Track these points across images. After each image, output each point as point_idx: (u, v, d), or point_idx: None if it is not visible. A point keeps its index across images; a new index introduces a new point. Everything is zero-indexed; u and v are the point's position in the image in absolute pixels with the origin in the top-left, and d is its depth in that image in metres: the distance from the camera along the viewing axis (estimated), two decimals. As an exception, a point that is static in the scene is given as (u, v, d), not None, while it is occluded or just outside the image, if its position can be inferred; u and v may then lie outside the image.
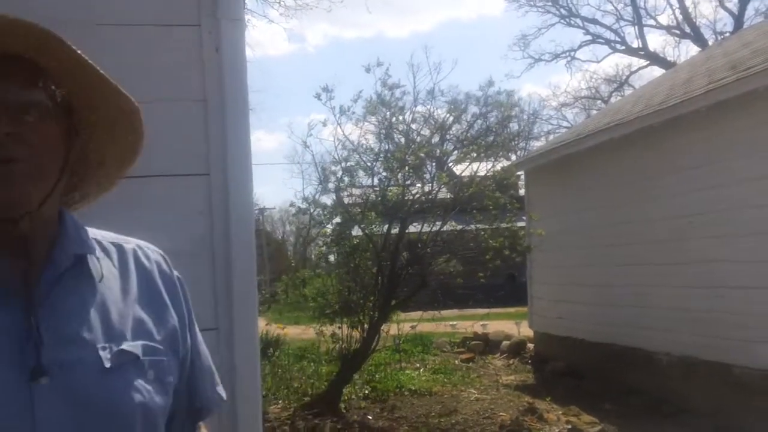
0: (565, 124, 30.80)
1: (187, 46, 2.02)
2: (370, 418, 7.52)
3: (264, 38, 60.35)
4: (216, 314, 2.06)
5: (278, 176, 64.38)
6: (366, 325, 7.50)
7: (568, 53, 30.47)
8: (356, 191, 8.30)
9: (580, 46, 30.72)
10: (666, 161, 7.94)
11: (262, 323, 13.91)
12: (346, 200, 8.39)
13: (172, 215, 2.01)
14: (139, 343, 1.01)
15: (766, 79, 6.28)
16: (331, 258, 9.08)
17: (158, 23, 1.99)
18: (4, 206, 0.93)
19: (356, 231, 8.13)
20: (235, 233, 2.08)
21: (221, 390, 1.23)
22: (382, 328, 7.75)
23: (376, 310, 7.47)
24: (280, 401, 8.22)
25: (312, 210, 8.20)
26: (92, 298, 1.00)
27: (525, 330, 12.36)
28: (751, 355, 6.55)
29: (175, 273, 1.16)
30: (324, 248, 8.74)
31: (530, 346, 11.68)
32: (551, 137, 26.75)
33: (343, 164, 7.77)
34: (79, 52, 0.99)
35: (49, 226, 1.00)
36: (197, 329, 1.18)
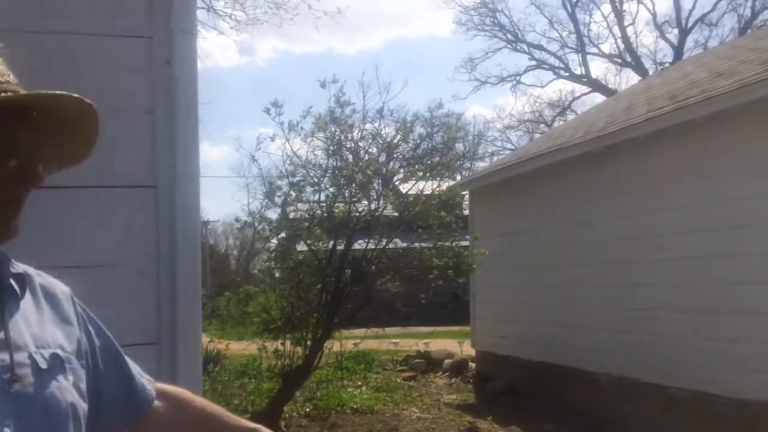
0: (509, 146, 31.41)
1: (138, 57, 2.00)
2: (311, 436, 7.47)
3: (214, 50, 59.75)
4: (159, 328, 2.03)
5: (222, 189, 63.43)
6: (309, 342, 7.45)
7: (513, 77, 31.12)
8: (303, 206, 8.27)
9: (525, 71, 31.41)
10: (604, 186, 8.17)
11: (204, 339, 13.66)
12: (292, 215, 8.35)
13: (117, 227, 1.98)
14: (60, 352, 1.09)
15: (703, 109, 6.55)
16: (276, 273, 9.01)
17: (108, 34, 1.98)
18: (3, 239, 1.06)
19: (301, 246, 8.09)
20: (181, 247, 2.06)
21: (147, 377, 1.30)
22: (325, 344, 7.71)
23: (320, 326, 7.43)
24: (219, 418, 8.07)
25: (257, 224, 8.12)
26: (22, 313, 1.09)
27: (467, 349, 12.46)
28: (685, 377, 6.76)
29: (69, 292, 1.24)
30: (269, 263, 8.66)
31: (472, 365, 11.77)
32: (495, 158, 27.26)
33: (290, 179, 7.75)
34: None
35: None
36: (108, 335, 1.26)
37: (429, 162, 8.91)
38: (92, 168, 1.90)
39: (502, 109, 52.63)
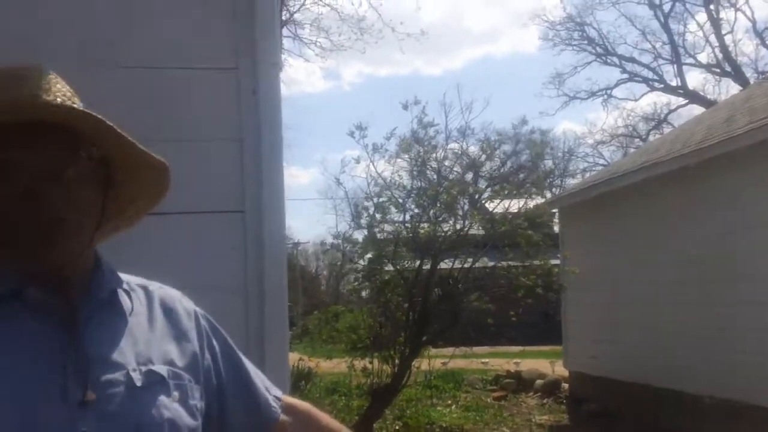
0: (601, 161, 30.51)
1: (225, 88, 2.07)
2: (400, 455, 7.47)
3: (300, 76, 61.24)
4: (248, 348, 2.09)
5: (312, 211, 64.73)
6: (397, 360, 7.48)
7: (604, 91, 30.31)
8: (388, 227, 8.34)
9: (616, 84, 30.51)
10: (704, 201, 7.85)
11: (294, 356, 13.95)
12: (378, 236, 8.43)
13: (207, 251, 2.04)
14: (165, 367, 1.11)
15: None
16: (363, 293, 9.10)
17: (197, 66, 2.06)
18: (51, 261, 1.06)
19: (388, 266, 8.15)
20: (268, 269, 2.10)
21: (276, 391, 1.31)
22: (413, 363, 7.71)
23: (407, 345, 7.45)
24: (310, 436, 8.19)
25: (344, 246, 8.25)
26: (123, 328, 1.11)
27: (559, 369, 12.17)
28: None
29: (199, 310, 1.27)
30: (356, 283, 8.76)
31: (565, 385, 11.48)
32: (587, 175, 26.54)
33: (375, 200, 7.83)
34: (108, 122, 1.11)
35: (86, 266, 1.13)
36: (236, 350, 1.29)
37: (516, 180, 8.83)
38: (184, 195, 2.01)
39: (594, 124, 51.36)
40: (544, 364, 13.42)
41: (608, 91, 30.28)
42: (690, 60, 29.76)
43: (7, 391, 0.97)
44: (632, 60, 29.89)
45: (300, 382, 11.26)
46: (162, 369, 1.10)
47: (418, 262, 7.67)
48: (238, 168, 2.06)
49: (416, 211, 7.89)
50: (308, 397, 10.15)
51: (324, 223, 54.75)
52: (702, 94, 28.93)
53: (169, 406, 1.07)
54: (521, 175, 9.04)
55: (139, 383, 1.05)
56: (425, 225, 7.79)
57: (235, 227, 2.06)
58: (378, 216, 7.87)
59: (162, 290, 1.25)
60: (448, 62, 57.82)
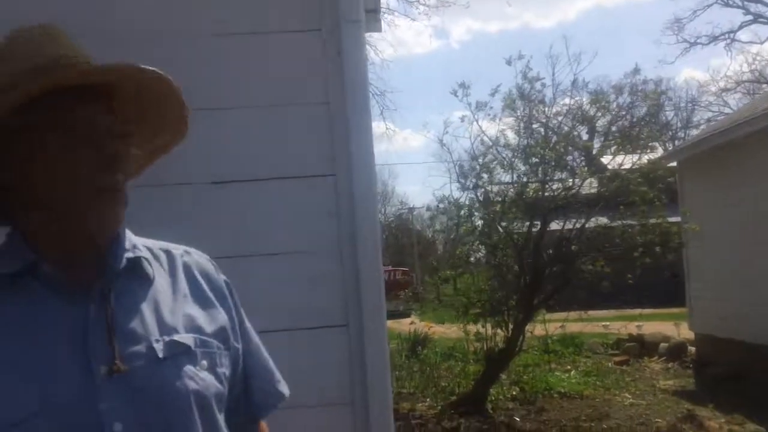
0: (727, 110, 28.63)
1: (309, 51, 2.07)
2: (518, 419, 7.42)
3: (408, 37, 60.94)
4: (346, 311, 2.09)
5: (427, 176, 64.47)
6: (510, 325, 7.41)
7: (727, 35, 28.48)
8: (495, 188, 8.19)
9: (740, 27, 28.61)
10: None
11: (408, 322, 14.13)
12: (485, 197, 8.31)
13: (300, 215, 2.07)
14: (191, 335, 1.07)
15: None
16: (472, 257, 9.03)
17: (280, 30, 2.06)
18: (112, 227, 1.06)
19: (497, 229, 8.03)
20: (360, 232, 2.10)
21: (283, 387, 1.27)
22: (526, 327, 7.61)
23: (520, 309, 7.35)
24: (427, 399, 8.31)
25: (451, 209, 8.18)
26: (145, 297, 1.07)
27: (685, 332, 11.66)
28: None
29: (222, 276, 1.23)
30: (465, 247, 8.71)
31: (691, 349, 11.00)
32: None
33: (480, 160, 7.70)
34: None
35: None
36: (249, 327, 1.24)
37: (632, 134, 8.43)
38: (274, 160, 2.07)
39: (717, 71, 48.26)
40: (669, 326, 12.90)
41: (731, 35, 28.48)
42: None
43: (26, 369, 0.96)
44: (756, 0, 27.73)
45: (417, 347, 11.43)
46: (188, 338, 1.07)
47: (527, 224, 7.51)
48: (327, 131, 2.07)
49: (523, 170, 7.70)
50: (425, 362, 10.28)
51: (429, 185, 54.34)
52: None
53: (196, 376, 1.04)
54: (637, 129, 8.57)
55: (161, 354, 1.02)
56: (533, 184, 7.59)
57: (326, 191, 2.07)
58: (485, 177, 7.74)
59: (188, 255, 1.20)
60: (560, 14, 55.93)
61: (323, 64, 2.07)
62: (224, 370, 1.11)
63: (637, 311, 14.63)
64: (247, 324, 1.24)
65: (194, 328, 1.09)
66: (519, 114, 7.69)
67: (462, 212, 7.98)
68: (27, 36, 1.07)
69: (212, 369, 1.08)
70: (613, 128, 8.64)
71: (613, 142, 7.82)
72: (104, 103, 1.04)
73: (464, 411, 7.18)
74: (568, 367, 10.53)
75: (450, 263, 10.56)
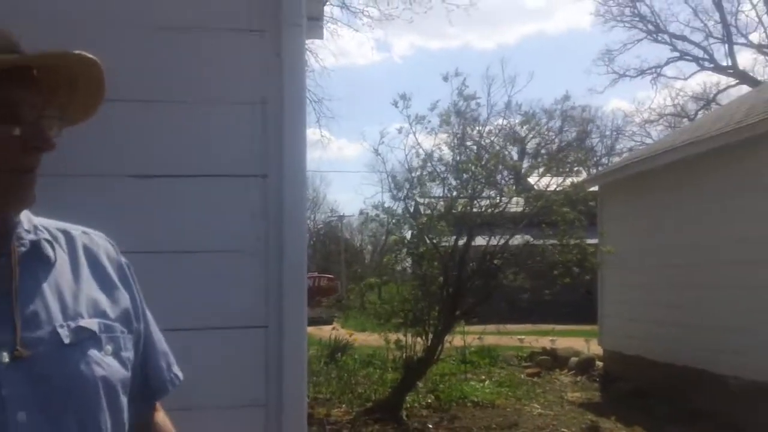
0: (648, 141, 29.92)
1: (249, 50, 2.07)
2: (431, 426, 7.55)
3: (351, 47, 61.12)
4: (267, 313, 2.07)
5: (359, 184, 64.67)
6: (430, 334, 7.54)
7: (654, 69, 29.69)
8: (425, 200, 8.32)
9: (666, 63, 29.89)
10: (742, 182, 7.67)
11: (329, 329, 14.13)
12: (413, 209, 8.43)
13: (229, 214, 2.06)
14: (95, 320, 1.04)
15: None
16: (398, 267, 9.14)
17: (223, 28, 2.07)
18: (22, 207, 1.04)
19: (425, 240, 8.15)
20: (287, 234, 2.10)
21: (177, 370, 1.25)
22: (446, 337, 7.76)
23: (441, 319, 7.50)
24: (343, 405, 8.35)
25: (381, 218, 8.25)
26: (47, 280, 1.03)
27: (595, 348, 12.11)
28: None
29: (123, 259, 1.20)
30: (392, 255, 8.80)
31: (599, 364, 11.43)
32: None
33: (415, 173, 7.82)
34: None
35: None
36: (147, 312, 1.21)
37: (558, 157, 8.72)
38: (206, 157, 2.05)
39: (642, 103, 50.25)
40: (581, 342, 13.37)
41: (658, 70, 29.72)
42: (741, 40, 28.93)
43: None
44: (683, 38, 29.20)
45: (336, 353, 11.45)
46: (92, 323, 1.04)
47: (454, 237, 7.66)
48: (260, 131, 2.06)
49: (453, 184, 7.85)
50: (343, 369, 10.32)
51: (361, 193, 54.36)
52: (752, 74, 28.13)
53: (101, 361, 1.02)
54: (564, 153, 8.88)
55: (67, 340, 0.99)
56: (462, 199, 7.75)
57: (256, 191, 2.06)
58: (416, 189, 7.84)
59: (86, 236, 1.16)
60: (501, 37, 57.10)
61: (262, 64, 2.07)
62: (128, 354, 1.09)
63: (552, 327, 15.09)
64: (147, 309, 1.21)
65: (98, 312, 1.07)
66: (453, 130, 7.83)
67: (392, 221, 8.06)
68: None
69: (117, 354, 1.06)
70: (543, 150, 8.90)
71: (540, 163, 8.06)
72: (33, 86, 1.02)
73: (379, 417, 7.26)
74: (483, 377, 10.77)
75: (376, 272, 10.63)
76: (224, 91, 2.07)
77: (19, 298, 0.98)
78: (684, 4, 43.04)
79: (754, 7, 28.10)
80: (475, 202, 7.76)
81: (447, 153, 8.08)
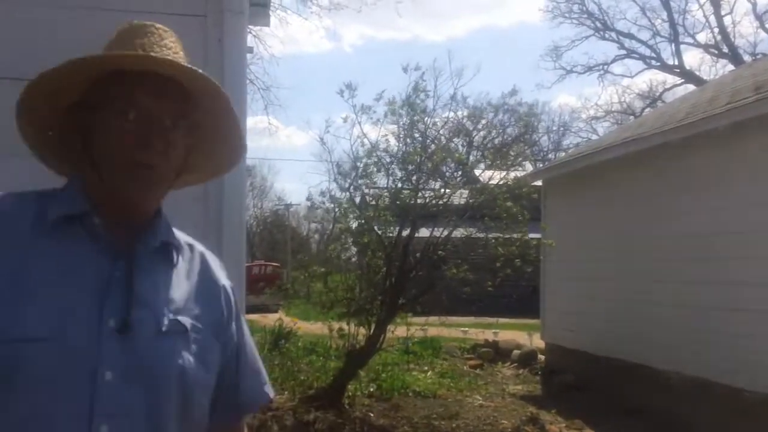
0: (595, 137, 30.58)
1: (190, 36, 2.09)
2: (372, 415, 7.60)
3: (301, 35, 60.71)
4: None
5: (306, 174, 64.45)
6: (373, 324, 7.57)
7: (601, 66, 30.37)
8: (372, 191, 8.34)
9: (613, 60, 30.67)
10: (683, 178, 7.92)
11: (274, 317, 14.06)
12: (358, 199, 8.44)
13: (168, 199, 2.08)
14: (189, 320, 1.19)
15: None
16: (343, 256, 9.14)
17: (165, 12, 2.04)
18: (139, 203, 1.21)
19: (369, 230, 8.16)
20: (227, 218, 2.16)
21: (269, 389, 1.38)
22: (388, 327, 7.80)
23: (384, 308, 7.53)
24: (286, 392, 8.33)
25: (327, 206, 8.24)
26: (165, 277, 1.21)
27: (537, 341, 12.35)
28: (761, 380, 6.50)
29: (228, 282, 1.35)
30: (337, 244, 8.79)
31: (541, 357, 11.67)
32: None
33: (360, 162, 7.82)
34: (218, 84, 1.23)
35: (150, 212, 1.24)
36: (245, 329, 1.36)
37: (503, 151, 8.82)
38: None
39: (589, 99, 51.31)
40: (523, 335, 13.62)
41: (605, 67, 30.40)
42: (688, 39, 29.83)
43: (51, 299, 1.08)
44: (630, 36, 29.91)
45: (280, 341, 11.41)
46: (187, 321, 1.19)
47: (398, 228, 7.70)
48: None
49: (399, 175, 7.89)
50: (286, 356, 10.29)
51: (307, 183, 54.31)
52: (698, 74, 29.05)
53: (185, 356, 1.15)
54: (506, 147, 8.99)
55: (164, 328, 1.15)
56: (407, 190, 7.79)
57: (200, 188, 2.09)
58: (361, 179, 7.85)
59: (206, 253, 1.34)
60: (451, 30, 57.45)
61: (203, 50, 2.09)
62: (212, 360, 1.23)
63: (496, 320, 15.30)
64: (246, 329, 1.36)
65: (194, 316, 1.21)
66: (401, 121, 7.85)
67: (338, 210, 8.05)
68: (131, 28, 1.28)
69: (200, 355, 1.19)
70: (488, 144, 9.00)
71: (485, 156, 8.14)
72: (167, 98, 1.18)
73: (320, 405, 7.26)
74: (426, 368, 10.89)
75: (322, 261, 10.62)
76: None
77: (137, 282, 1.14)
78: (632, 2, 44.18)
79: (701, 6, 29.02)
80: (420, 193, 7.80)
81: (393, 144, 8.12)
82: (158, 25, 1.30)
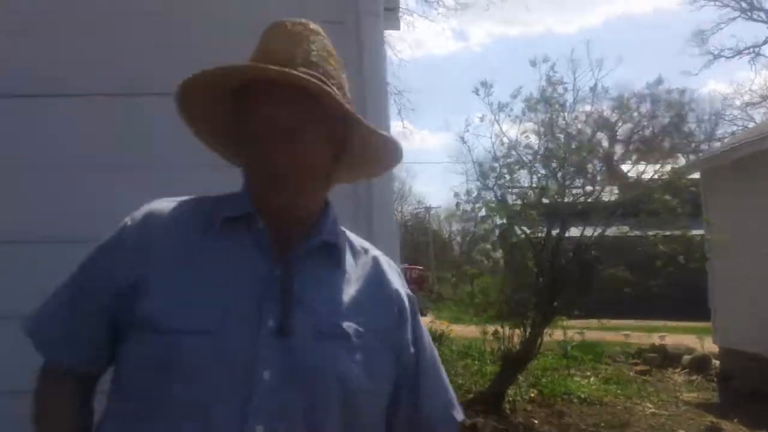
0: (752, 125, 28.25)
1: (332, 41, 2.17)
2: (536, 421, 7.42)
3: (428, 38, 60.85)
4: None
5: (443, 176, 64.17)
6: (528, 327, 7.41)
7: (751, 49, 28.10)
8: (516, 190, 8.17)
9: (765, 42, 28.20)
10: None
11: (426, 319, 14.16)
12: (506, 198, 8.28)
13: None
14: (353, 326, 1.16)
15: None
16: (492, 256, 8.99)
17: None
18: (284, 209, 1.20)
19: (517, 230, 7.98)
20: (377, 219, 2.16)
21: (457, 413, 1.32)
22: (545, 331, 7.60)
23: (539, 312, 7.35)
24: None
25: (471, 207, 8.14)
26: (328, 280, 1.19)
27: (709, 345, 11.54)
28: None
29: (408, 291, 1.31)
30: (485, 245, 8.66)
31: (716, 362, 10.88)
32: (738, 138, 24.59)
33: (501, 161, 7.68)
34: (346, 106, 1.22)
35: (310, 214, 1.23)
36: (427, 346, 1.31)
37: (654, 143, 8.35)
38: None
39: (742, 85, 47.25)
40: (691, 339, 12.77)
41: (756, 49, 28.10)
42: None
43: (218, 295, 1.11)
44: (780, 15, 27.43)
45: (434, 343, 11.47)
46: (350, 327, 1.15)
47: (546, 227, 7.49)
48: None
49: (543, 173, 7.67)
50: (441, 359, 10.29)
51: (444, 185, 53.82)
52: None
53: (346, 362, 1.12)
54: (659, 139, 8.51)
55: (325, 333, 1.13)
56: (553, 188, 7.56)
57: (346, 191, 2.13)
58: (506, 176, 7.69)
59: (380, 258, 1.31)
60: (583, 20, 55.42)
61: (343, 56, 2.15)
62: (380, 369, 1.18)
63: (659, 323, 14.47)
64: (426, 342, 1.31)
65: (361, 322, 1.18)
66: (540, 117, 7.65)
67: (485, 209, 7.89)
68: (276, 28, 1.28)
69: (364, 363, 1.15)
70: (635, 137, 8.56)
71: (634, 150, 7.74)
72: (291, 101, 1.16)
73: (481, 410, 7.20)
74: (588, 373, 10.48)
75: (467, 263, 10.48)
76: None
77: (297, 284, 1.14)
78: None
79: None
80: (567, 191, 7.52)
81: (534, 141, 7.90)
82: (312, 26, 1.29)
